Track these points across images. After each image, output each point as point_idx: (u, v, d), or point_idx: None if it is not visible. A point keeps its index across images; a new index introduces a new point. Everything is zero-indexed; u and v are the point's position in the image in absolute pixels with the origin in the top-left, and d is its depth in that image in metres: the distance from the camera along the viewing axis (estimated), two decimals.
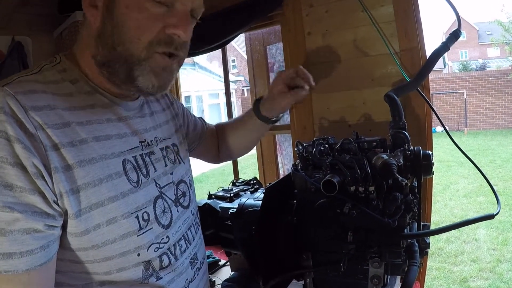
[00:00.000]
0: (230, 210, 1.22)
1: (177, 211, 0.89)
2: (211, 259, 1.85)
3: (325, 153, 1.00)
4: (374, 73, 1.48)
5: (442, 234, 5.04)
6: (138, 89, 0.79)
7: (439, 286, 3.93)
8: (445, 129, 1.22)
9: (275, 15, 1.71)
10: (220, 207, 1.29)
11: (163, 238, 0.82)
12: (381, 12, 1.42)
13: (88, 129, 0.73)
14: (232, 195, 1.38)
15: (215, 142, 1.34)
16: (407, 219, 0.85)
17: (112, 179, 0.74)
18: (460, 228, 5.21)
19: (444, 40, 1.27)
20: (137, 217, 0.77)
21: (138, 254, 0.77)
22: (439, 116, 1.27)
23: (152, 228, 0.80)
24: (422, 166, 0.93)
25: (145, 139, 0.86)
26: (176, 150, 0.98)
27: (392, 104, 1.09)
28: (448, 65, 29.15)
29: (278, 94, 1.14)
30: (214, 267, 1.79)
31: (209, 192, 1.47)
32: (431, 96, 1.40)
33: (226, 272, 1.68)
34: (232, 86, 16.59)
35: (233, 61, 24.70)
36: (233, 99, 16.46)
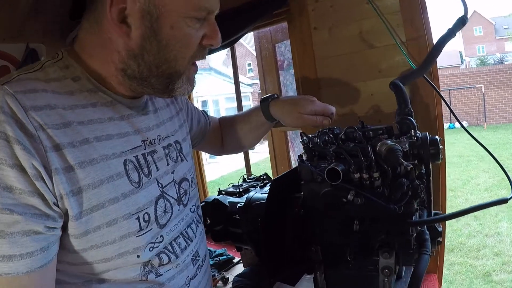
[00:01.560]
0: (238, 204, 1.22)
1: (178, 210, 0.89)
2: (225, 257, 1.86)
3: (329, 143, 0.99)
4: (381, 65, 1.47)
5: (463, 229, 4.98)
6: (173, 96, 0.85)
7: (461, 280, 3.87)
8: (457, 120, 1.21)
9: (282, 12, 1.70)
10: (229, 202, 1.29)
11: (157, 238, 0.82)
12: (386, 3, 1.41)
13: (89, 128, 0.73)
14: (241, 190, 1.38)
15: (219, 135, 1.35)
16: (414, 205, 0.84)
17: (113, 180, 0.73)
18: (482, 222, 5.14)
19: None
20: (138, 218, 0.76)
21: (138, 256, 0.77)
22: (447, 102, 1.25)
23: (152, 228, 0.80)
24: (430, 151, 0.92)
25: (147, 138, 0.85)
26: (179, 147, 0.97)
27: (397, 92, 1.07)
28: (465, 60, 28.72)
29: (301, 114, 1.14)
30: (228, 264, 1.80)
31: (219, 188, 1.47)
32: (440, 85, 1.37)
33: (240, 270, 1.68)
34: (249, 89, 16.60)
35: (249, 64, 24.70)
36: (249, 102, 16.45)
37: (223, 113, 16.02)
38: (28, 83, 0.68)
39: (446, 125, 13.41)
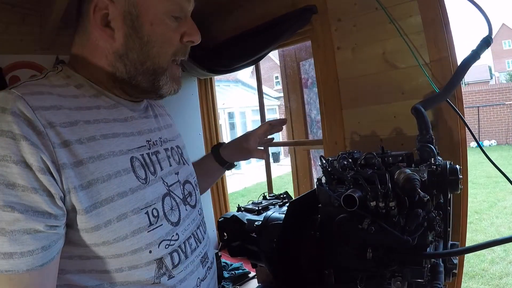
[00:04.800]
0: (256, 223, 1.23)
1: (186, 209, 0.91)
2: (240, 271, 1.87)
3: (348, 168, 0.99)
4: (405, 86, 1.45)
5: (487, 254, 4.80)
6: (159, 96, 0.87)
7: None
8: (477, 142, 1.18)
9: (305, 31, 1.72)
10: (247, 219, 1.30)
11: (173, 236, 0.83)
12: (409, 23, 1.39)
13: (96, 127, 0.75)
14: (260, 208, 1.39)
15: None
16: (429, 237, 0.83)
17: (121, 175, 0.75)
18: (507, 248, 4.94)
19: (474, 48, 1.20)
20: (147, 213, 0.77)
21: (150, 251, 0.78)
22: (470, 128, 1.23)
23: (162, 224, 0.81)
24: (448, 181, 0.91)
25: (151, 139, 0.88)
26: (180, 152, 1.01)
27: (418, 117, 1.06)
28: (495, 76, 28.02)
29: (252, 149, 1.28)
30: (243, 278, 1.81)
31: (238, 205, 1.49)
32: (463, 103, 1.35)
33: (254, 285, 1.68)
34: (276, 102, 16.62)
35: (276, 77, 24.69)
36: (276, 115, 16.50)
37: (249, 125, 16.00)
38: (34, 87, 0.71)
39: (474, 144, 13.03)
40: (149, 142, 0.87)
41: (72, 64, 0.83)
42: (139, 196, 0.77)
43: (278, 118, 1.30)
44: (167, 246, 0.81)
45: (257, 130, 1.28)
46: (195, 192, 0.99)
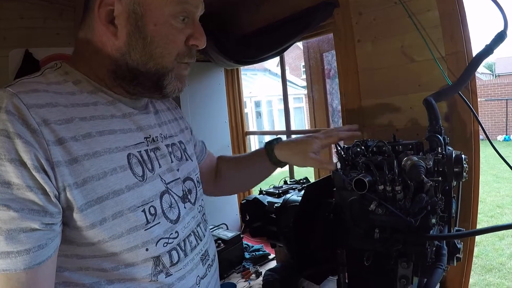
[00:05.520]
0: (276, 205, 1.33)
1: (185, 207, 0.89)
2: (261, 252, 1.98)
3: (361, 154, 1.07)
4: (421, 79, 1.50)
5: (506, 249, 4.74)
6: (163, 95, 0.85)
7: None
8: (486, 136, 1.23)
9: (328, 23, 1.79)
10: (267, 202, 1.40)
11: (172, 233, 0.82)
12: (427, 17, 1.44)
13: (92, 124, 0.74)
14: (280, 191, 1.48)
15: (212, 173, 1.33)
16: (432, 221, 0.89)
17: (117, 173, 0.74)
18: None
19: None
20: (143, 211, 0.76)
21: (147, 249, 0.77)
22: (481, 122, 1.28)
23: (159, 222, 0.79)
24: (453, 169, 0.96)
25: (150, 135, 0.86)
26: (183, 147, 0.99)
27: (429, 109, 1.12)
28: None
29: (307, 155, 1.13)
30: (263, 259, 1.93)
31: (260, 188, 1.58)
32: (478, 101, 1.39)
33: (273, 265, 1.79)
34: (302, 91, 16.56)
35: (304, 66, 24.40)
36: (302, 104, 16.45)
37: (276, 114, 15.89)
38: (30, 85, 0.70)
39: (501, 137, 12.71)
40: (148, 139, 0.85)
41: (73, 60, 0.82)
42: (136, 193, 0.76)
43: (346, 126, 1.19)
44: (165, 244, 0.80)
45: (324, 140, 1.15)
46: (196, 189, 0.98)
